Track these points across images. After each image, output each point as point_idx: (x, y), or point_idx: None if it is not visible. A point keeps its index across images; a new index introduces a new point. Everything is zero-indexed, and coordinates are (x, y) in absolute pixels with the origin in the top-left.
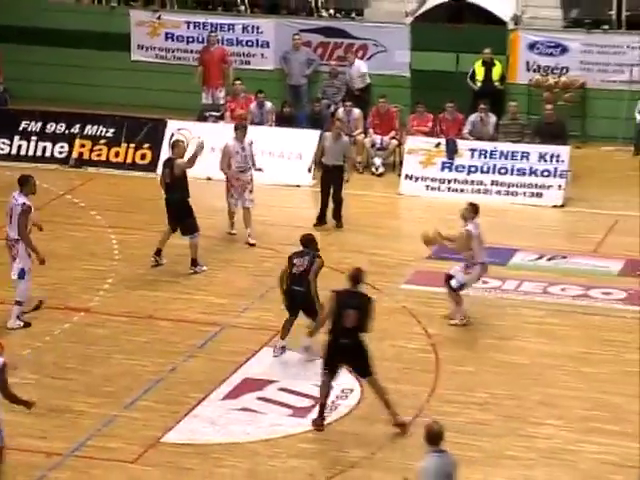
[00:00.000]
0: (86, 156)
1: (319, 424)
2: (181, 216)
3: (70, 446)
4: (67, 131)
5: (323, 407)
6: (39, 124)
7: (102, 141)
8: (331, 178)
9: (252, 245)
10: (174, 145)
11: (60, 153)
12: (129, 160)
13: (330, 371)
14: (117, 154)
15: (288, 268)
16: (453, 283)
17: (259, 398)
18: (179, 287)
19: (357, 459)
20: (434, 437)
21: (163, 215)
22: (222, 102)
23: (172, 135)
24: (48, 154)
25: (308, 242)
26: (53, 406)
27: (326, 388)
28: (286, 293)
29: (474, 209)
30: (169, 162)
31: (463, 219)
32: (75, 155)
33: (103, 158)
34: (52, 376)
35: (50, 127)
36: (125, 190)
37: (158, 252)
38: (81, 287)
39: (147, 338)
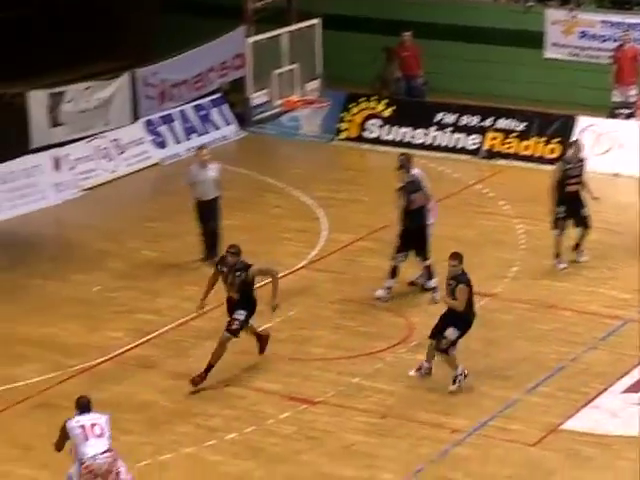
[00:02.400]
0: (497, 148)
1: None
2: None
3: (472, 424)
4: (480, 124)
5: None
6: (454, 116)
7: (513, 134)
8: None
9: None
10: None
11: (472, 145)
12: (538, 153)
13: None
14: (527, 147)
15: None
16: None
17: None
18: (582, 279)
19: None
20: None
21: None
22: (633, 100)
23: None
24: (461, 145)
25: None
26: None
27: None
28: None
29: None
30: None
31: None
32: (486, 147)
33: (513, 151)
34: (458, 357)
35: (464, 120)
36: (533, 182)
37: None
38: (488, 273)
39: (550, 327)
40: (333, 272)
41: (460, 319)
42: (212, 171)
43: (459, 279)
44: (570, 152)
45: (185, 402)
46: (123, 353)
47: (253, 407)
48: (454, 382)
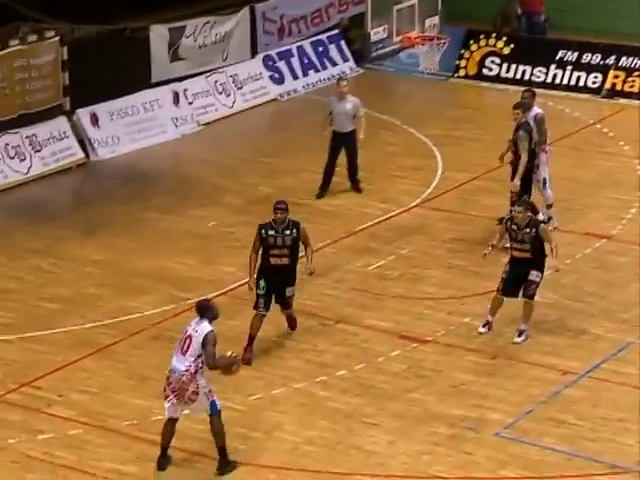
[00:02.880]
0: (618, 87)
1: None
2: None
3: (584, 367)
4: (602, 62)
5: None
6: (575, 54)
7: (636, 73)
8: None
9: None
10: None
11: (593, 83)
12: None
13: None
14: None
15: None
16: None
17: None
18: None
19: None
20: None
21: None
22: None
23: None
24: (582, 84)
25: None
26: (570, 327)
27: None
28: None
29: None
30: None
31: None
32: (608, 86)
33: (635, 90)
34: (571, 298)
35: (586, 57)
36: None
37: None
38: (605, 215)
39: None
40: (447, 211)
41: (541, 262)
42: (350, 103)
43: (534, 223)
44: None
45: (296, 338)
46: (237, 288)
47: (363, 344)
48: (520, 335)
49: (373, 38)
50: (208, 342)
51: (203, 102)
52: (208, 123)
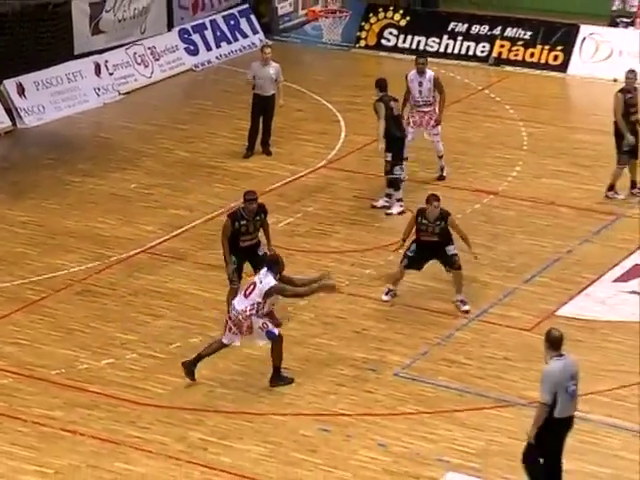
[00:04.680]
0: (504, 55)
1: None
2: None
3: (474, 311)
4: (489, 32)
5: None
6: (465, 25)
7: (519, 42)
8: None
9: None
10: (628, 74)
11: (482, 52)
12: (542, 60)
13: None
14: (532, 55)
15: None
16: None
17: None
18: (579, 178)
19: None
20: (555, 342)
21: (569, 113)
22: (633, 10)
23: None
24: (471, 53)
25: None
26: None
27: None
28: None
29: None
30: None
31: None
32: (494, 54)
33: (519, 58)
34: (462, 250)
35: (475, 29)
36: (537, 88)
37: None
38: (491, 172)
39: (548, 222)
40: (349, 171)
41: (449, 237)
42: (273, 69)
43: (444, 216)
44: (630, 80)
45: (212, 290)
46: (156, 246)
47: None
48: (465, 303)
49: (280, 12)
50: (271, 293)
51: (123, 73)
52: (128, 92)
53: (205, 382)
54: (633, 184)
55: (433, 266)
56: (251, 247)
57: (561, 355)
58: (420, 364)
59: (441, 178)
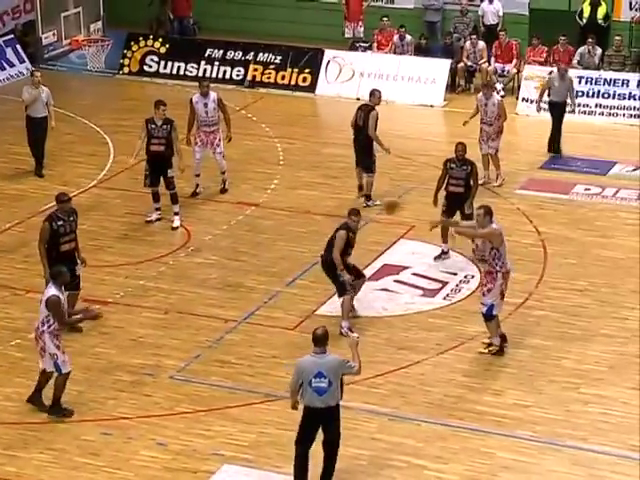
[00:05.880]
0: (258, 78)
1: None
2: (364, 157)
3: (242, 314)
4: (243, 57)
5: None
6: (221, 51)
7: (271, 66)
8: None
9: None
10: (372, 94)
11: (237, 76)
12: (293, 82)
13: None
14: (283, 77)
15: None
16: (485, 311)
17: (396, 281)
18: (331, 188)
19: (476, 333)
20: (314, 339)
21: (320, 129)
22: (361, 35)
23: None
24: (227, 76)
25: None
26: (229, 282)
27: None
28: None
29: (488, 212)
30: (366, 107)
31: (480, 226)
32: (249, 78)
33: (272, 80)
34: (229, 258)
35: (230, 54)
36: (289, 107)
37: (360, 188)
38: (252, 186)
39: (305, 229)
40: (120, 190)
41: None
42: (44, 92)
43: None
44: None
45: None
46: None
47: None
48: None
49: (45, 42)
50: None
51: None
52: None
53: None
54: (360, 187)
55: (201, 274)
56: (69, 252)
57: (322, 353)
58: (194, 366)
59: (223, 191)
